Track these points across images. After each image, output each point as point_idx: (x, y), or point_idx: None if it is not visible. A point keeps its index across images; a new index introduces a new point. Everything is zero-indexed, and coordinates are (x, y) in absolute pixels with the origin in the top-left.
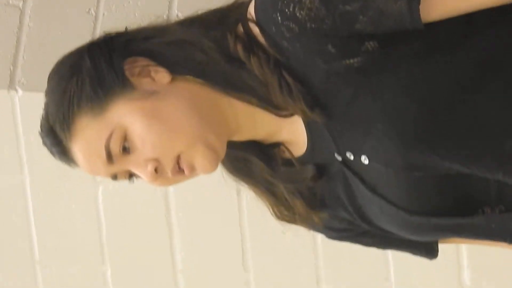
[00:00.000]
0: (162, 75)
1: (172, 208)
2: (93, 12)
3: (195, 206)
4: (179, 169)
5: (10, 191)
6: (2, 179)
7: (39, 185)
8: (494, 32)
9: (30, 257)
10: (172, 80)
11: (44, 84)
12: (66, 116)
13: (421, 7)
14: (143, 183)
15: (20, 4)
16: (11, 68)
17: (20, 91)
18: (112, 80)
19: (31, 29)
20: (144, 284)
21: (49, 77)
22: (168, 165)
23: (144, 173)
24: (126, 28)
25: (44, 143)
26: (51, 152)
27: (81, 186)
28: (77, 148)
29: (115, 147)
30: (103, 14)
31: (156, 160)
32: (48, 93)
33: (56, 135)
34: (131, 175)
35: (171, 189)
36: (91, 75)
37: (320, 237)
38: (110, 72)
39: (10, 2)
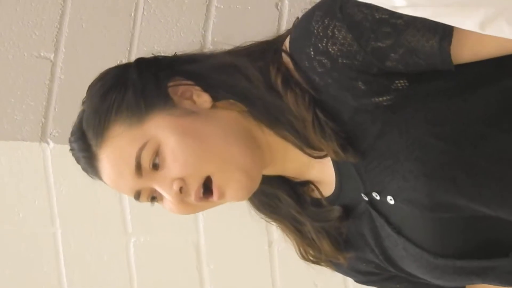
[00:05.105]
0: (203, 99)
1: (203, 260)
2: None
3: (226, 258)
4: (203, 195)
5: (41, 243)
6: (34, 231)
7: (70, 238)
8: None
9: None
10: (213, 106)
11: None
12: (102, 121)
13: (452, 48)
14: (174, 234)
15: (52, 56)
16: (43, 120)
17: (51, 144)
18: (156, 93)
19: (62, 81)
20: None
21: (89, 86)
22: (193, 187)
23: (168, 192)
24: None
25: (72, 148)
26: (77, 158)
27: (113, 238)
28: (105, 155)
29: (146, 160)
30: None
31: (182, 179)
32: (86, 100)
33: (86, 139)
34: (153, 198)
35: (202, 240)
36: (135, 86)
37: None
38: (154, 86)
39: (42, 54)
